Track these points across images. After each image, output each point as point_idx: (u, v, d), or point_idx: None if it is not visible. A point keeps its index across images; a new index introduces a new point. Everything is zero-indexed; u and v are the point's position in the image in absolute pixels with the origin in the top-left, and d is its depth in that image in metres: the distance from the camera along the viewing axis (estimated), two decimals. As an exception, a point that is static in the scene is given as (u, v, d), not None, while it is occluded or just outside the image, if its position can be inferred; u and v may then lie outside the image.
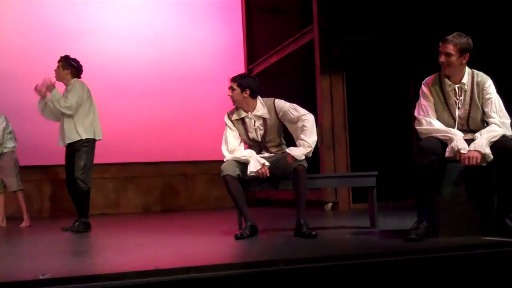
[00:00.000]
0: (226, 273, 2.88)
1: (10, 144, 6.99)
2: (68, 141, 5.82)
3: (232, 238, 4.30)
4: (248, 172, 4.38)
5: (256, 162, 4.39)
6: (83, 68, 6.03)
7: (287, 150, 4.40)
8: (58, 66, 5.91)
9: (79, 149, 5.78)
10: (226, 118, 4.74)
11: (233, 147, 4.57)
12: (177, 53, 9.64)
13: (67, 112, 5.71)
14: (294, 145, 4.46)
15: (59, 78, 5.91)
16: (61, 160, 8.63)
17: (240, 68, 9.91)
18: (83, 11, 9.24)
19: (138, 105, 9.14)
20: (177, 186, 9.57)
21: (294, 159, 4.29)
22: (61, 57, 5.97)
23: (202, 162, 9.57)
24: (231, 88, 4.60)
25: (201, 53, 9.79)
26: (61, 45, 8.88)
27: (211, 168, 9.62)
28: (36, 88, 5.78)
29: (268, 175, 4.38)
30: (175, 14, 9.78)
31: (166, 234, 5.13)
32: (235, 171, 4.42)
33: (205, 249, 3.96)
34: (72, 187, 5.90)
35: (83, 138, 5.78)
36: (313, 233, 4.17)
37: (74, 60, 5.96)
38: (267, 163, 4.40)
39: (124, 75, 9.08)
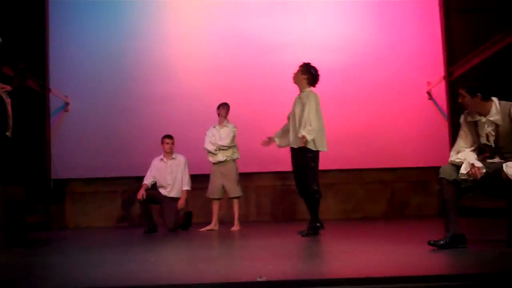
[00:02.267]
0: (436, 285, 2.83)
1: (235, 154, 7.59)
2: (299, 145, 6.07)
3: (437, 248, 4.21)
4: (459, 175, 4.23)
5: (467, 164, 4.22)
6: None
7: (504, 165, 4.12)
8: (298, 70, 6.29)
9: (309, 159, 6.04)
10: (461, 118, 4.53)
11: (458, 149, 4.42)
12: (372, 59, 9.63)
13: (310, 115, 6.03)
14: None
15: (295, 81, 6.32)
16: (263, 167, 9.20)
17: (439, 71, 9.62)
18: (279, 25, 9.68)
19: (335, 112, 9.26)
20: (376, 193, 9.55)
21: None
22: (303, 63, 6.32)
23: (401, 168, 9.47)
24: (461, 95, 4.41)
25: (397, 58, 9.66)
26: (262, 58, 9.48)
27: (411, 175, 9.49)
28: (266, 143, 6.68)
29: (478, 177, 4.15)
30: (368, 21, 9.77)
31: (369, 242, 5.14)
32: (451, 175, 4.27)
33: (411, 258, 3.89)
34: (303, 191, 6.19)
35: (314, 149, 6.04)
36: None
37: (314, 68, 6.29)
38: (479, 165, 4.19)
39: (321, 84, 9.29)
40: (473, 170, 4.18)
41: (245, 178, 8.72)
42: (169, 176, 7.66)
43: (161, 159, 7.74)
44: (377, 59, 9.65)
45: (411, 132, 9.44)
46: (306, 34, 9.64)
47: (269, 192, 9.53)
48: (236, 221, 7.48)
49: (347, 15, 9.79)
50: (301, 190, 6.21)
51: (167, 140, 7.71)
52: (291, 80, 6.43)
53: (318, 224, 6.07)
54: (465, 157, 4.29)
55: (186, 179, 7.70)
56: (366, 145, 9.34)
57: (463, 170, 4.21)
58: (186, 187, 7.68)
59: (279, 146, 6.62)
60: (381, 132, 9.41)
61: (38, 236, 7.15)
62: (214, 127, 7.62)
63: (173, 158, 7.72)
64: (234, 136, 7.53)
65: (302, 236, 5.95)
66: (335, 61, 9.44)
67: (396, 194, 9.56)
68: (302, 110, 6.10)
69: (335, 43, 9.60)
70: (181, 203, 7.62)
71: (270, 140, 6.72)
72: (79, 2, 9.67)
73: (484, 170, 4.17)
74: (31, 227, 7.52)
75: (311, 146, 6.03)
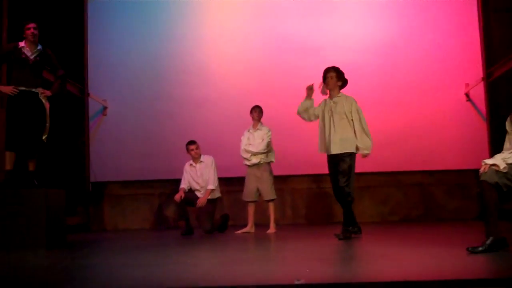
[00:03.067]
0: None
1: (270, 157, 7.59)
2: (342, 151, 6.08)
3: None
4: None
5: (499, 161, 4.24)
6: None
7: None
8: (332, 76, 6.21)
9: (346, 160, 6.04)
10: (508, 119, 4.47)
11: (504, 150, 4.40)
12: (409, 61, 9.53)
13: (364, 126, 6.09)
14: None
15: (332, 86, 6.24)
16: (298, 170, 9.17)
17: (477, 72, 9.44)
18: (318, 26, 9.66)
19: (373, 114, 9.12)
20: (413, 196, 9.43)
21: None
22: (333, 67, 6.26)
23: (439, 171, 9.34)
24: None
25: (435, 59, 9.53)
26: (297, 61, 9.46)
27: (449, 178, 9.34)
28: (309, 87, 6.30)
29: (485, 171, 4.19)
30: (405, 22, 9.66)
31: (406, 245, 5.08)
32: (492, 178, 4.21)
33: (449, 262, 3.84)
34: (339, 195, 6.16)
35: (355, 152, 6.09)
36: None
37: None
38: (490, 162, 4.21)
39: (358, 86, 9.24)
40: (483, 167, 4.24)
41: (280, 180, 8.73)
42: (201, 179, 7.73)
43: (191, 164, 7.81)
44: (415, 61, 9.54)
45: (449, 134, 9.30)
46: (342, 36, 9.60)
47: (305, 194, 9.51)
48: (272, 224, 7.48)
49: (385, 17, 9.70)
50: (336, 194, 6.18)
51: (191, 147, 7.76)
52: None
53: (350, 228, 6.06)
54: (493, 160, 4.29)
55: (211, 178, 7.70)
56: (403, 147, 9.23)
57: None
58: (211, 186, 7.68)
59: (298, 112, 6.51)
60: (418, 134, 9.29)
61: (77, 238, 7.29)
62: (249, 130, 7.65)
63: (201, 161, 7.77)
64: (269, 142, 7.53)
65: (339, 239, 5.92)
66: (372, 63, 9.40)
67: (434, 197, 9.42)
68: (341, 118, 6.09)
69: (372, 45, 9.53)
70: (200, 201, 7.60)
71: (311, 90, 6.39)
72: (117, 7, 9.83)
73: (502, 167, 4.17)
74: (71, 229, 7.67)
75: (349, 149, 6.01)
